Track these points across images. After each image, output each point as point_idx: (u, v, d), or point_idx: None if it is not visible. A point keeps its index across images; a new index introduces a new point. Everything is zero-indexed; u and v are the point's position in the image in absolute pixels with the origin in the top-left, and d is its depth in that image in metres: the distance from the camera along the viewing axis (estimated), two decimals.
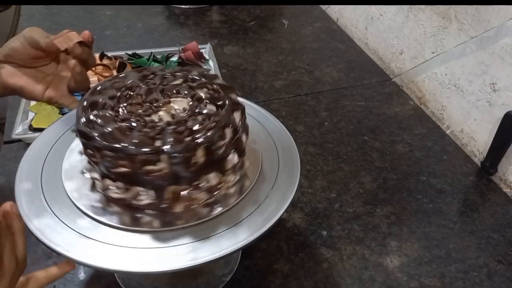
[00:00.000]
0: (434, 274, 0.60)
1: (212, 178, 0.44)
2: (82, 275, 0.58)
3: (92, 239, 0.42)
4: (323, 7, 1.27)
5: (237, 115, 0.46)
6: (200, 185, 0.44)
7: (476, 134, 0.79)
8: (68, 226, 0.43)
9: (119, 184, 0.43)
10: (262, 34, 1.14)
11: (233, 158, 0.46)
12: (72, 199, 0.46)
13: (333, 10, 1.23)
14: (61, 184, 0.47)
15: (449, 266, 0.61)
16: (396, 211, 0.68)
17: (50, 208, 0.45)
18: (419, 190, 0.72)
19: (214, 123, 0.43)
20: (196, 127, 0.42)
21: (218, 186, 0.46)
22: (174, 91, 0.47)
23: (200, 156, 0.42)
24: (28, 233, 0.43)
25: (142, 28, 1.14)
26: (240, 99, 0.49)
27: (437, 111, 0.88)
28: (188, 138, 0.41)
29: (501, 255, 0.63)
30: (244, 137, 0.47)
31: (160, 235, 0.43)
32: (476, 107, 0.78)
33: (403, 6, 0.94)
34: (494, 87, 0.73)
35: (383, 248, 0.63)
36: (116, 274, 0.58)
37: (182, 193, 0.44)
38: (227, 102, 0.46)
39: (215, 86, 0.48)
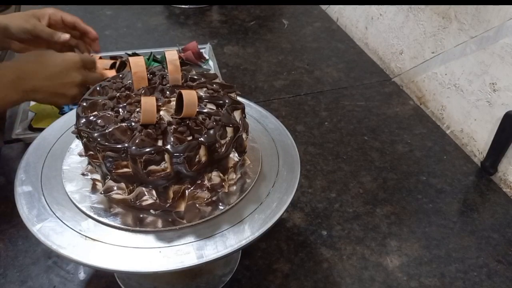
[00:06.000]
0: (434, 274, 0.60)
1: (214, 176, 0.45)
2: (82, 275, 0.58)
3: (98, 240, 0.42)
4: (323, 7, 1.27)
5: (237, 114, 0.46)
6: (203, 184, 0.44)
7: (476, 134, 0.79)
8: (73, 229, 0.43)
9: (122, 185, 0.43)
10: (262, 34, 1.14)
11: (234, 156, 0.46)
12: (74, 201, 0.46)
13: (333, 10, 1.23)
14: (61, 186, 0.47)
15: (449, 266, 0.61)
16: (396, 211, 0.68)
17: (53, 211, 0.45)
18: (419, 190, 0.72)
19: (215, 122, 0.43)
20: (197, 127, 0.42)
21: (221, 185, 0.46)
22: (174, 91, 0.47)
23: (202, 155, 0.42)
24: (32, 236, 0.43)
25: (142, 28, 1.14)
26: (239, 99, 0.49)
27: (437, 111, 0.88)
28: (190, 138, 0.41)
29: (501, 255, 0.63)
30: (244, 136, 0.48)
31: (164, 235, 0.43)
32: (476, 107, 0.78)
33: (403, 6, 0.94)
34: (494, 87, 0.74)
35: (383, 248, 0.63)
36: (119, 274, 0.58)
37: (185, 192, 0.44)
38: (227, 101, 0.46)
39: (214, 85, 0.48)
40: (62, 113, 0.79)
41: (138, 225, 0.44)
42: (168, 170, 0.41)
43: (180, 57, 0.93)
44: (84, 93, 0.60)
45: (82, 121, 0.44)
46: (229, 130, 0.44)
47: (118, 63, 0.88)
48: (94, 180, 0.47)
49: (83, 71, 0.69)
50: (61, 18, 0.76)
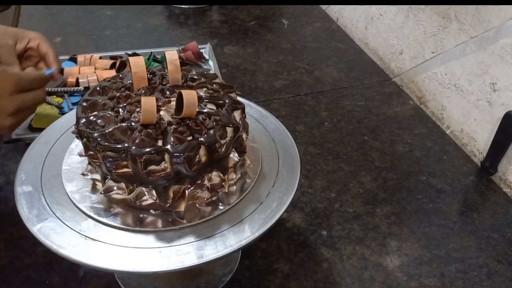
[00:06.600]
0: (434, 274, 0.60)
1: (214, 176, 0.45)
2: (82, 275, 0.58)
3: (97, 240, 0.42)
4: (323, 7, 1.27)
5: (237, 114, 0.46)
6: (203, 184, 0.44)
7: (476, 134, 0.79)
8: (73, 229, 0.43)
9: (122, 185, 0.43)
10: (262, 34, 1.14)
11: (234, 156, 0.46)
12: (74, 201, 0.46)
13: (333, 10, 1.23)
14: (61, 186, 0.47)
15: (449, 266, 0.61)
16: (396, 211, 0.68)
17: (53, 211, 0.45)
18: (419, 190, 0.72)
19: (215, 122, 0.43)
20: (197, 127, 0.42)
21: (221, 185, 0.46)
22: (174, 91, 0.47)
23: (202, 155, 0.42)
24: (32, 236, 0.43)
25: (142, 28, 1.14)
26: (239, 99, 0.49)
27: (437, 111, 0.88)
28: (190, 138, 0.41)
29: (501, 255, 0.63)
30: (244, 136, 0.48)
31: (164, 235, 0.43)
32: (476, 107, 0.78)
33: (403, 6, 0.94)
34: (494, 87, 0.74)
35: (383, 248, 0.63)
36: (119, 274, 0.58)
37: (185, 192, 0.44)
38: (226, 101, 0.46)
39: (214, 85, 0.48)
40: (62, 113, 0.79)
41: (138, 225, 0.44)
42: (168, 170, 0.41)
43: (180, 57, 0.93)
44: (22, 121, 0.57)
45: (82, 121, 0.44)
46: (229, 130, 0.44)
47: (118, 63, 0.88)
48: (94, 180, 0.47)
49: (17, 96, 0.55)
50: (38, 46, 0.68)
